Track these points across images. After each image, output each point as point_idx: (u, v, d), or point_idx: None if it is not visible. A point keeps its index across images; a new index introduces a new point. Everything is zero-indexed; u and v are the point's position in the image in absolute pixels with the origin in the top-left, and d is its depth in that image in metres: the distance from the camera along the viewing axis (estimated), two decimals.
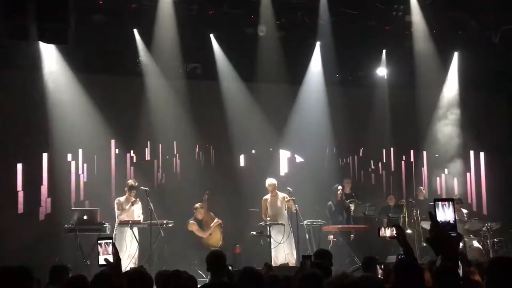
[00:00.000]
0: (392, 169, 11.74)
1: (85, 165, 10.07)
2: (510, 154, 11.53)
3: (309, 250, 8.84)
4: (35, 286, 4.15)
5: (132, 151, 10.36)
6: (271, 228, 8.82)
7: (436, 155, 11.48)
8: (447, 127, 11.28)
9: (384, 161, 11.77)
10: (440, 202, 2.72)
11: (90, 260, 8.01)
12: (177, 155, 10.64)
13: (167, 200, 9.62)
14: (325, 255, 5.20)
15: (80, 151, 10.01)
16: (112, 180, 10.18)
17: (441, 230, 2.64)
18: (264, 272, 4.37)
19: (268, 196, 9.08)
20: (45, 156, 9.77)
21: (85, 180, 10.04)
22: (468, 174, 11.87)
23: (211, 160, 10.81)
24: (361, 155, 11.66)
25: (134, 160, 10.39)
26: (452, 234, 2.69)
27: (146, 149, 10.47)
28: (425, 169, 11.75)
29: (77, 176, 10.06)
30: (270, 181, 9.15)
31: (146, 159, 10.49)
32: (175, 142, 10.54)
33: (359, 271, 6.59)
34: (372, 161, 11.72)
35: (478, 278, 3.94)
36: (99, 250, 3.51)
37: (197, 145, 10.69)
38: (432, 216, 2.68)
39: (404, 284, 3.27)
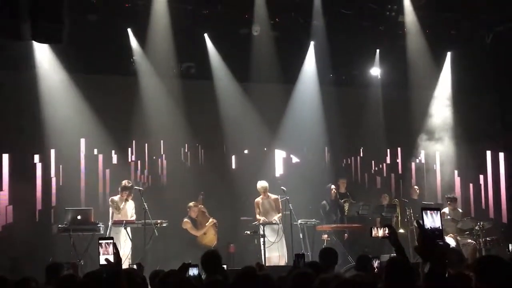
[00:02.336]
0: (400, 171, 11.71)
1: (60, 167, 9.68)
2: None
3: (303, 249, 8.87)
4: (33, 286, 4.16)
5: (113, 151, 10.07)
6: (265, 228, 8.86)
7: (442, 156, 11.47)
8: (443, 126, 11.35)
9: (389, 162, 11.74)
10: (428, 210, 2.80)
11: (84, 260, 8.01)
12: (163, 155, 10.50)
13: (157, 200, 9.40)
14: (330, 255, 5.19)
15: (53, 151, 9.59)
16: (82, 183, 9.74)
17: (428, 238, 2.69)
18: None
19: (259, 198, 9.11)
20: (5, 157, 9.23)
21: (61, 184, 9.64)
22: (481, 176, 11.73)
23: (203, 160, 10.73)
24: (361, 155, 11.66)
25: (115, 161, 10.08)
26: (439, 243, 2.74)
27: (130, 149, 10.25)
28: (437, 169, 11.67)
29: (46, 179, 9.53)
30: (261, 184, 9.19)
31: (131, 160, 10.26)
32: (162, 141, 10.38)
33: (352, 270, 6.62)
34: (373, 161, 11.69)
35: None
36: (99, 250, 3.54)
37: (188, 145, 10.59)
38: (420, 225, 2.75)
39: (395, 283, 3.30)
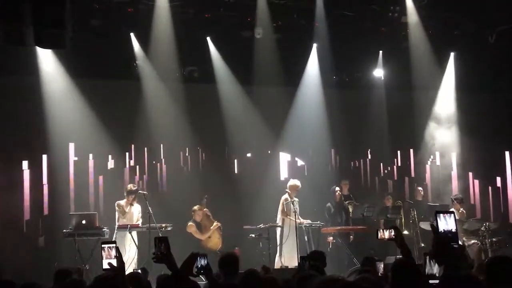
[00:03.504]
0: (413, 174, 11.62)
1: (54, 173, 9.46)
2: None
3: (308, 251, 8.84)
4: None
5: (110, 156, 9.97)
6: (271, 230, 8.87)
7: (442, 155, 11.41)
8: (446, 128, 11.31)
9: (400, 164, 11.66)
10: (441, 214, 2.80)
11: (89, 264, 8.01)
12: (163, 159, 10.44)
13: (157, 205, 9.19)
14: (319, 257, 5.23)
15: (45, 157, 9.43)
16: (72, 189, 9.53)
17: (443, 242, 2.69)
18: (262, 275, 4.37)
19: (288, 197, 9.02)
20: None
21: (53, 191, 9.39)
22: (498, 178, 11.54)
23: (205, 163, 10.68)
24: (370, 157, 11.59)
25: (115, 166, 9.98)
26: (454, 246, 2.74)
27: (128, 153, 10.16)
28: (454, 173, 11.58)
29: (35, 187, 9.28)
30: (296, 182, 9.08)
31: (129, 165, 10.18)
32: (162, 145, 10.33)
33: (358, 272, 6.60)
34: (381, 164, 11.61)
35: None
36: (102, 254, 3.53)
37: (190, 149, 10.55)
38: (434, 228, 2.74)
39: (402, 285, 3.28)
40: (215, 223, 9.35)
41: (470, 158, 11.36)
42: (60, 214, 9.09)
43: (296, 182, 9.16)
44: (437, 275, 3.35)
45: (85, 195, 9.78)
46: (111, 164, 10.07)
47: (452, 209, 9.59)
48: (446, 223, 2.74)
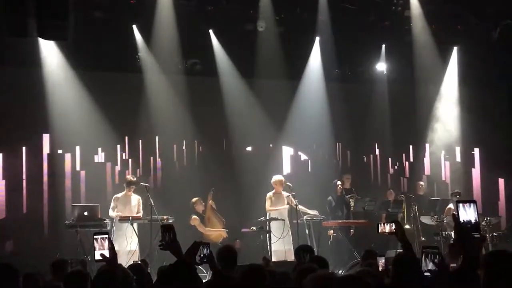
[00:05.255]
0: (426, 172, 11.51)
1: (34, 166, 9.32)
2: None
3: (309, 245, 8.85)
4: (40, 283, 4.19)
5: (99, 149, 9.89)
6: (271, 224, 8.85)
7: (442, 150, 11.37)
8: (449, 123, 11.30)
9: (411, 160, 11.59)
10: (461, 204, 2.78)
11: (91, 255, 8.04)
12: (161, 152, 10.40)
13: (158, 197, 9.12)
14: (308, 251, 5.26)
15: (24, 149, 9.35)
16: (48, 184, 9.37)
17: (464, 231, 2.70)
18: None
19: (271, 194, 9.03)
20: None
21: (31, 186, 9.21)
22: None
23: (208, 157, 10.65)
24: (377, 153, 11.54)
25: (103, 159, 9.95)
26: (475, 235, 2.74)
27: (126, 146, 10.13)
28: (477, 170, 11.52)
29: (13, 182, 9.13)
30: (277, 177, 9.08)
31: (124, 157, 10.12)
32: (157, 138, 10.30)
33: (358, 266, 6.62)
34: (390, 159, 11.53)
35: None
36: (95, 245, 3.54)
37: (192, 142, 10.56)
38: (456, 218, 2.75)
39: (402, 279, 3.30)
40: (222, 231, 9.36)
41: (488, 155, 11.29)
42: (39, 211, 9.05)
43: (275, 177, 9.10)
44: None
45: (74, 187, 9.72)
46: (101, 157, 9.96)
47: (451, 204, 9.61)
48: (466, 213, 2.74)
